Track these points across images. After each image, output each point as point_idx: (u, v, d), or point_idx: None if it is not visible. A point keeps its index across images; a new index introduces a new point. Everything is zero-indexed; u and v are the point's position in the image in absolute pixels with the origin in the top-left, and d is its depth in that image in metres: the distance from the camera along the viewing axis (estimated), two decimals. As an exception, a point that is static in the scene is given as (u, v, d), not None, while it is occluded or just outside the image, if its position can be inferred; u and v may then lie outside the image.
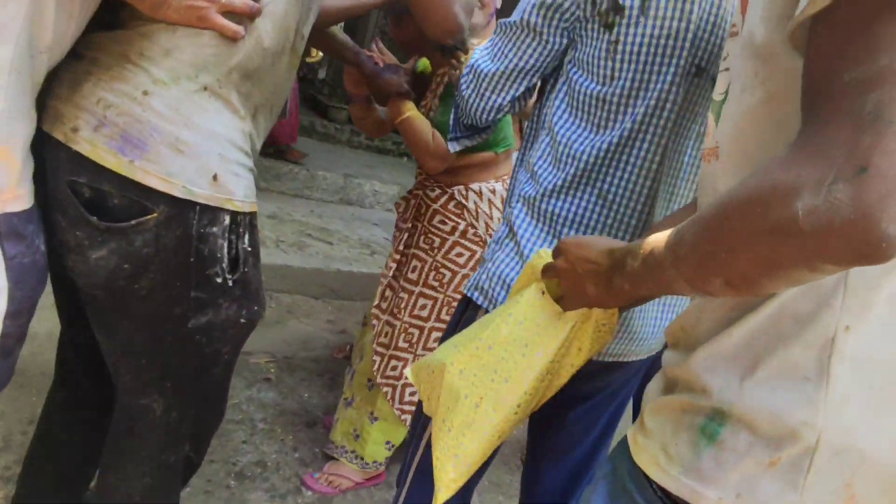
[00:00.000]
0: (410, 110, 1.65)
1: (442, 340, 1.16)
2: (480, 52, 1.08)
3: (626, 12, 0.92)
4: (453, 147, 1.21)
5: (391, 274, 1.80)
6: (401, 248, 1.80)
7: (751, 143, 0.56)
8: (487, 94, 1.07)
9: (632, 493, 0.62)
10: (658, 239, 0.56)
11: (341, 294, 3.21)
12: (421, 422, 1.14)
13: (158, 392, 1.01)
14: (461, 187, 1.73)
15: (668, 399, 0.62)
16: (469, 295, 1.08)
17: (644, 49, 0.93)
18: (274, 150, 4.21)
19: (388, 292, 1.82)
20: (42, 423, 1.25)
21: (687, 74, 0.94)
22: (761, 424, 0.53)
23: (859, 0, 0.40)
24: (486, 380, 0.87)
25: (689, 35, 0.92)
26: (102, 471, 1.13)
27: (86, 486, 1.32)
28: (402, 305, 1.76)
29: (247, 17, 0.90)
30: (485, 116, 1.10)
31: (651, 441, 0.62)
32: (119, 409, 1.06)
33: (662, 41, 0.92)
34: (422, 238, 1.76)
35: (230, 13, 0.88)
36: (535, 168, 1.04)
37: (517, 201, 1.05)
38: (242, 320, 1.01)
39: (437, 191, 1.75)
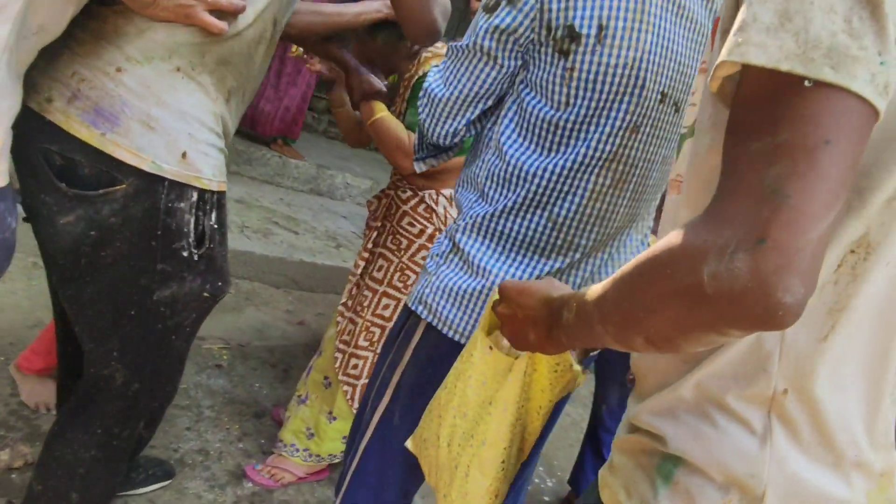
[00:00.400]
0: (383, 111, 1.66)
1: (383, 350, 1.17)
2: (433, 75, 1.07)
3: (583, 40, 0.92)
4: (419, 167, 1.19)
5: (359, 272, 1.81)
6: (369, 246, 1.81)
7: (698, 182, 0.58)
8: (443, 119, 1.05)
9: None
10: (590, 293, 0.57)
11: (302, 285, 3.18)
12: (360, 430, 1.14)
13: (120, 362, 1.04)
14: (433, 191, 1.74)
15: (632, 438, 0.65)
16: (413, 308, 1.08)
17: (600, 77, 0.93)
18: (269, 141, 4.16)
19: (354, 290, 1.83)
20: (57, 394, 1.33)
21: (652, 102, 0.96)
22: (711, 472, 0.56)
23: (764, 73, 0.41)
24: (467, 447, 0.88)
25: (645, 64, 0.93)
26: (50, 440, 1.13)
27: None
28: (366, 304, 1.77)
29: (230, 14, 0.93)
30: (443, 140, 1.09)
31: (615, 478, 0.64)
32: (83, 380, 1.08)
33: (619, 70, 0.93)
34: (389, 238, 1.77)
35: (216, 10, 0.91)
36: (484, 188, 1.04)
37: (463, 219, 1.05)
38: (206, 294, 1.04)
39: (409, 192, 1.76)
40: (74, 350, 1.21)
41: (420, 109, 1.08)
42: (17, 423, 1.69)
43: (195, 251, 0.99)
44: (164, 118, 0.92)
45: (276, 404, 2.19)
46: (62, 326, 1.27)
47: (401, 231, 1.75)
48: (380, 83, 1.64)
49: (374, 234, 1.81)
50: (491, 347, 0.85)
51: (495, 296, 0.83)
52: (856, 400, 0.54)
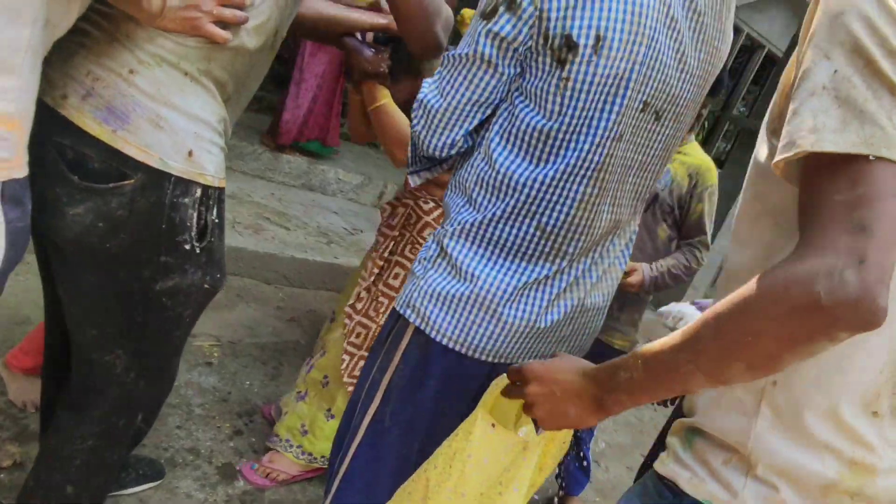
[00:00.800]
0: (386, 97, 1.61)
1: (372, 353, 1.17)
2: (428, 86, 1.05)
3: (580, 50, 0.91)
4: (414, 181, 1.17)
5: (371, 279, 1.79)
6: (385, 254, 1.80)
7: (748, 220, 0.77)
8: (440, 130, 1.03)
9: (647, 483, 0.85)
10: (661, 345, 0.69)
11: (293, 281, 3.18)
12: (349, 433, 1.14)
13: (121, 349, 1.08)
14: None
15: (678, 421, 0.84)
16: (401, 312, 1.08)
17: (594, 87, 0.93)
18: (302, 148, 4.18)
19: (363, 293, 1.81)
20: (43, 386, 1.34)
21: (634, 111, 0.96)
22: (716, 438, 0.76)
23: (838, 155, 0.58)
24: None
25: (635, 74, 0.93)
26: (52, 432, 1.15)
27: None
28: (382, 310, 1.76)
29: (234, 25, 0.98)
30: (438, 153, 1.07)
31: (665, 451, 0.83)
32: (79, 367, 1.12)
33: (611, 80, 0.93)
34: (408, 247, 1.76)
35: (220, 21, 0.96)
36: (473, 194, 1.04)
37: (451, 224, 1.05)
38: (206, 286, 1.09)
39: (431, 204, 1.75)
40: (64, 347, 1.22)
41: (414, 121, 1.06)
42: (5, 423, 1.68)
43: (197, 244, 1.03)
44: (173, 118, 0.96)
45: (266, 402, 2.18)
46: (53, 323, 1.27)
47: (421, 242, 1.74)
48: (382, 63, 1.56)
49: (392, 242, 1.79)
50: (493, 425, 0.85)
51: (503, 381, 0.85)
52: (833, 398, 0.68)
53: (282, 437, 1.85)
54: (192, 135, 0.99)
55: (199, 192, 1.01)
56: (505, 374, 0.89)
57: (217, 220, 1.07)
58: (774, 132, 0.72)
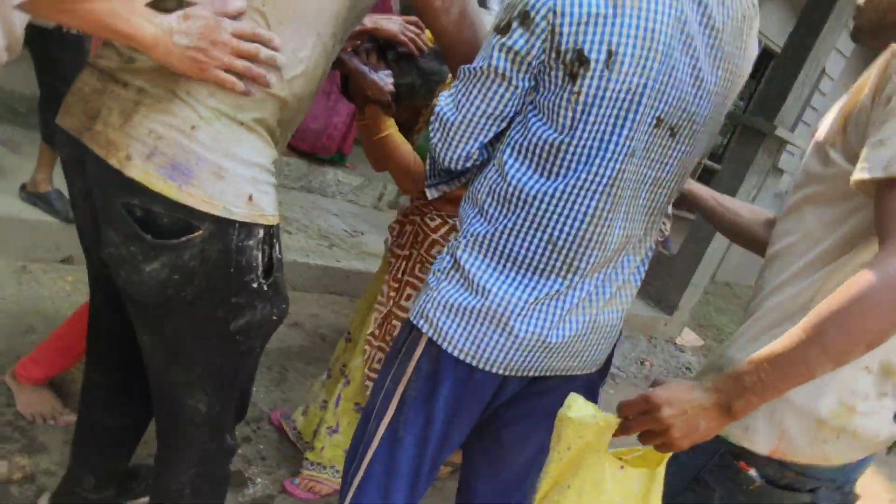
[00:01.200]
0: (392, 127, 1.61)
1: (386, 363, 1.18)
2: (444, 99, 1.05)
3: (592, 65, 0.91)
4: (432, 193, 1.18)
5: (390, 304, 1.78)
6: (398, 275, 1.78)
7: (788, 221, 1.02)
8: (455, 142, 1.05)
9: None
10: (784, 346, 0.81)
11: (296, 286, 3.18)
12: (363, 441, 1.15)
13: (203, 391, 1.14)
14: None
15: None
16: (415, 322, 1.09)
17: (606, 102, 0.93)
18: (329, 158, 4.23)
19: (380, 319, 1.80)
20: (82, 402, 1.39)
21: (647, 126, 0.97)
22: None
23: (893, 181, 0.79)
24: None
25: (648, 90, 0.94)
26: (156, 471, 1.26)
27: (128, 456, 1.50)
28: (395, 333, 1.74)
29: (250, 79, 0.98)
30: (455, 165, 1.08)
31: None
32: (167, 411, 1.19)
33: (623, 95, 0.93)
34: (418, 266, 1.75)
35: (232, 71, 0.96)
36: (484, 205, 1.04)
37: (463, 237, 1.06)
38: (274, 317, 1.14)
39: (438, 220, 1.73)
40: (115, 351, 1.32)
41: (431, 134, 1.07)
42: (14, 435, 1.67)
43: (263, 281, 1.07)
44: (233, 168, 0.99)
45: (272, 408, 2.19)
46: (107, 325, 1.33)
47: (431, 260, 1.71)
48: (386, 85, 1.52)
49: (403, 263, 1.78)
50: (622, 467, 0.88)
51: (605, 422, 0.90)
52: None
53: (326, 464, 1.86)
54: (251, 180, 1.01)
55: (261, 232, 1.04)
56: (581, 416, 0.93)
57: (280, 256, 1.12)
58: (833, 145, 0.93)
